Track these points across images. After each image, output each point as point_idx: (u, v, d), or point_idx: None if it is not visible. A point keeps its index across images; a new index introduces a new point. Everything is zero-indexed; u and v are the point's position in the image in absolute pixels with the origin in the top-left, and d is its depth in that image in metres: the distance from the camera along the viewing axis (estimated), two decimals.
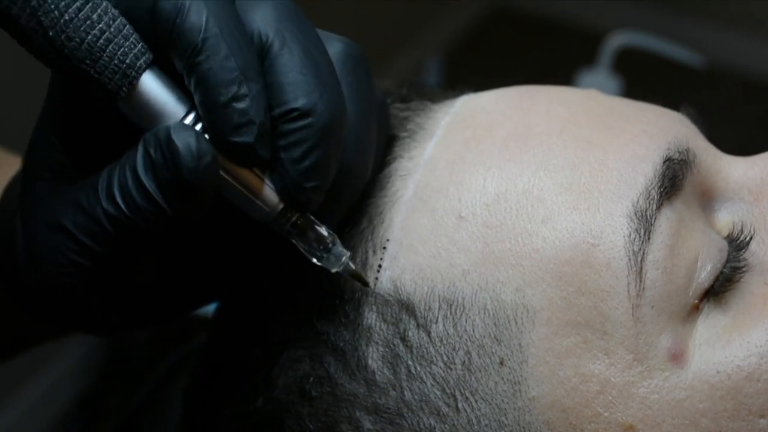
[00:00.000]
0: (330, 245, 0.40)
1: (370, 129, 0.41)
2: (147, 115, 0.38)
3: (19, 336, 0.51)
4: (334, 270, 0.41)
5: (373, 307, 0.42)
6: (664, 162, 0.42)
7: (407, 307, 0.41)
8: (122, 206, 0.38)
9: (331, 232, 0.41)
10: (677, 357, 0.40)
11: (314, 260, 0.41)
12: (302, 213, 0.40)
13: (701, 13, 2.51)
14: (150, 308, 0.44)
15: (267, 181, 0.39)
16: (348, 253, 0.41)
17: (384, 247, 0.42)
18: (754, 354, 0.39)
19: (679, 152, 0.43)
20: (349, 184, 0.41)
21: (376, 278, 0.42)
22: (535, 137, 0.43)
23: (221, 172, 0.38)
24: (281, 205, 0.39)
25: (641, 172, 0.41)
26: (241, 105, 0.37)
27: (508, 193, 0.42)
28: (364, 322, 0.42)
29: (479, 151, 0.43)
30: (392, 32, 2.36)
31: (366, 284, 0.42)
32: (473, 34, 2.61)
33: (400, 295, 0.42)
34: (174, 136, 0.37)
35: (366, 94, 0.41)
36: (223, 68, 0.37)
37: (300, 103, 0.38)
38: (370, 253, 0.43)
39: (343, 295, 0.43)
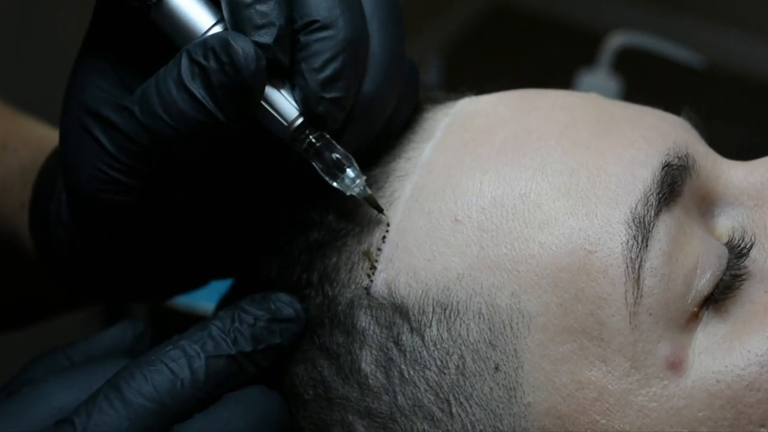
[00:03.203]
0: (346, 168, 0.41)
1: (396, 64, 0.43)
2: (178, 23, 0.40)
3: (45, 299, 0.52)
4: (349, 193, 0.42)
5: (367, 310, 0.42)
6: (663, 168, 0.42)
7: (401, 311, 0.41)
8: (167, 119, 0.39)
9: (348, 155, 0.41)
10: (676, 365, 0.39)
11: (330, 181, 0.42)
12: (321, 129, 0.41)
13: (702, 13, 2.51)
14: (169, 262, 0.45)
15: (286, 95, 0.40)
16: (364, 177, 0.42)
17: (379, 248, 0.42)
18: (754, 363, 0.39)
19: (679, 158, 0.42)
20: (370, 112, 0.42)
21: (371, 280, 0.42)
22: (533, 142, 0.43)
23: None
24: (300, 120, 0.40)
25: (640, 178, 0.41)
26: (263, 7, 0.39)
27: (504, 197, 0.41)
28: (358, 325, 0.42)
29: (477, 155, 0.43)
30: None
31: (381, 211, 0.42)
32: (473, 33, 2.61)
33: (394, 298, 0.41)
34: (233, 42, 0.38)
35: (396, 32, 0.42)
36: None
37: (321, 15, 0.40)
38: None
39: (337, 298, 0.42)
